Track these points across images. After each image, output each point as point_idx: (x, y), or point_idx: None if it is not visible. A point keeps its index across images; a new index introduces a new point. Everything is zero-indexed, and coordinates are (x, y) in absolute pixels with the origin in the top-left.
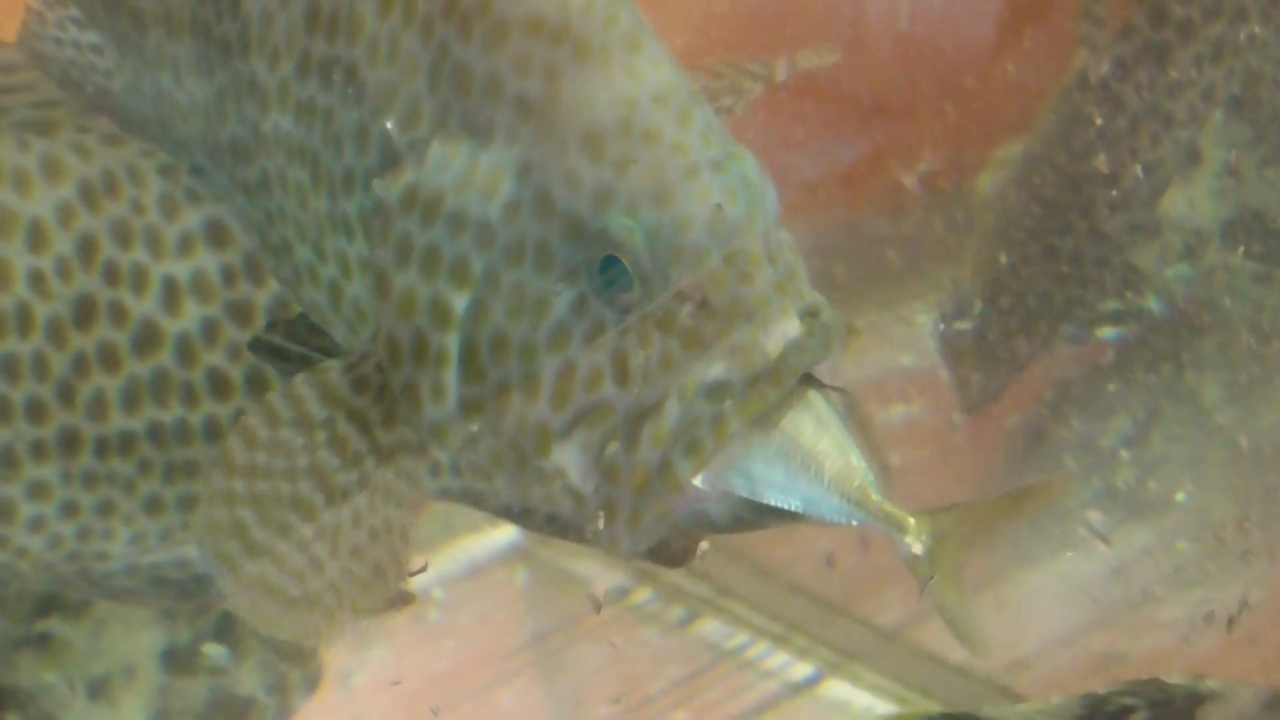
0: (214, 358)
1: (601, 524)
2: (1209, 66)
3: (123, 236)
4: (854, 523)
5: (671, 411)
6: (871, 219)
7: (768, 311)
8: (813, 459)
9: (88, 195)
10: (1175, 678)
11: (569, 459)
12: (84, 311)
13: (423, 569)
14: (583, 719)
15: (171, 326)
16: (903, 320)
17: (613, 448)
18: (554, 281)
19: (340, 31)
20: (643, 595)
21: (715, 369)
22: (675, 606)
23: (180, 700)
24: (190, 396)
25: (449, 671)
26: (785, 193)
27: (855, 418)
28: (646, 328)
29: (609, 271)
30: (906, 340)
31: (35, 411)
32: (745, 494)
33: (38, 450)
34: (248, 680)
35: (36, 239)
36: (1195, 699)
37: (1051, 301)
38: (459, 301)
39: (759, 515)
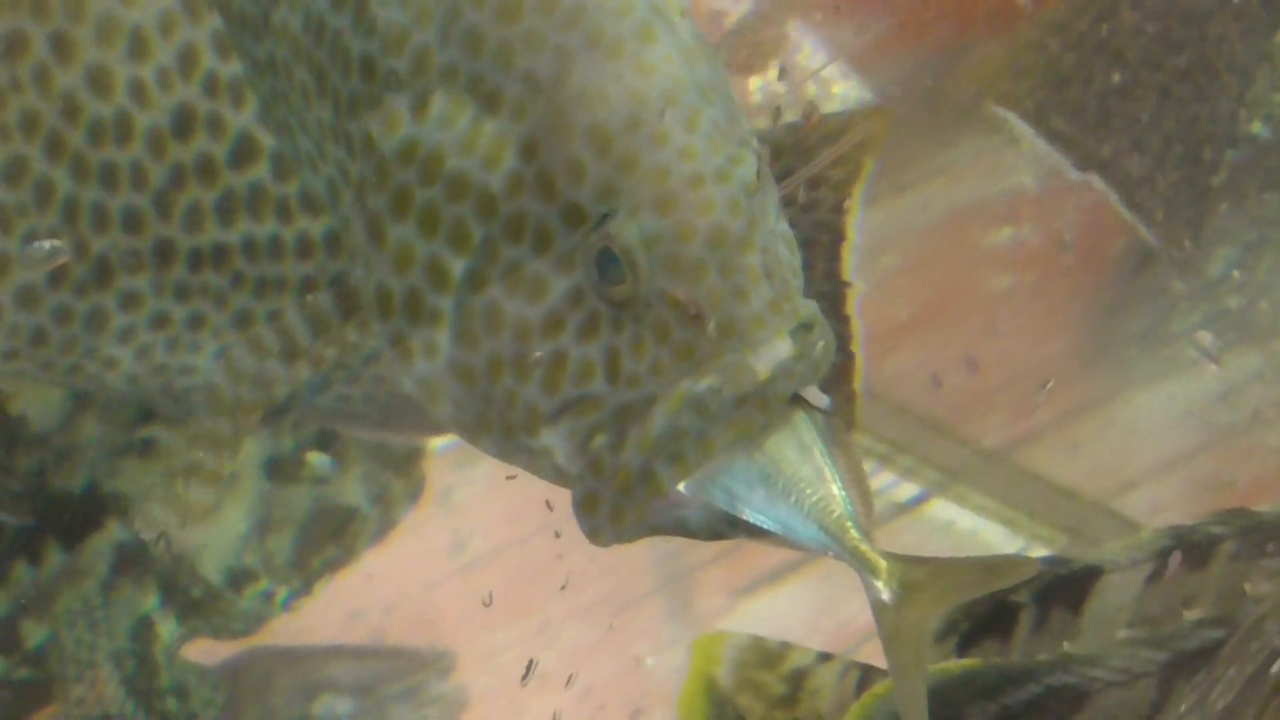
0: None
1: (584, 512)
2: None
3: (223, 48)
4: (829, 554)
5: (659, 419)
6: (983, 39)
7: (761, 333)
8: (793, 486)
9: (189, 5)
10: (1265, 507)
11: (556, 442)
12: (183, 122)
13: None
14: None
15: (269, 140)
16: (1012, 141)
17: (599, 440)
18: (551, 266)
19: None
20: None
21: (704, 385)
22: None
23: (283, 508)
24: (285, 212)
25: (549, 486)
26: (896, 11)
27: (839, 442)
28: (640, 332)
29: (604, 264)
30: (1015, 162)
31: (132, 221)
32: (725, 508)
33: (132, 260)
34: (351, 490)
35: (138, 48)
36: None
37: (1162, 122)
38: (457, 265)
39: (736, 530)
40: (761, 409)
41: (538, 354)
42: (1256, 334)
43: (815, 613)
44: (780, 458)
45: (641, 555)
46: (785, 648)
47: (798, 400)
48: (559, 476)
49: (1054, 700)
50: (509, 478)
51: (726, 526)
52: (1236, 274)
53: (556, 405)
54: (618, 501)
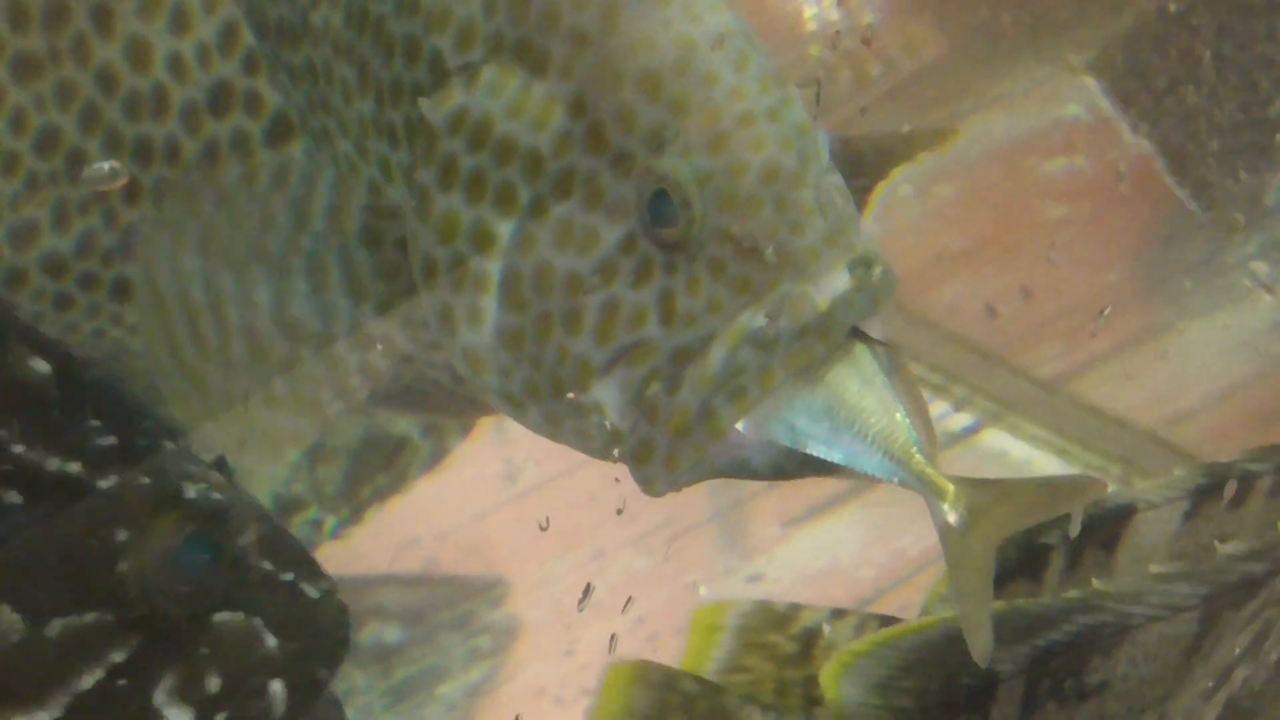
0: None
1: (638, 461)
2: None
3: None
4: (895, 481)
5: (716, 357)
6: None
7: (818, 264)
8: (857, 415)
9: None
10: None
11: (608, 395)
12: (220, 99)
13: None
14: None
15: None
16: (1068, 71)
17: (654, 387)
18: (602, 217)
19: None
20: None
21: (763, 318)
22: None
23: (334, 437)
24: None
25: None
26: None
27: (900, 374)
28: (695, 271)
29: (657, 207)
30: (1070, 92)
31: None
32: (787, 444)
33: None
34: (402, 420)
35: (179, 21)
36: None
37: (1221, 52)
38: (503, 229)
39: (800, 466)
40: (822, 339)
41: (589, 306)
42: None
43: (869, 542)
44: (842, 389)
45: (696, 485)
46: (795, 609)
47: (857, 332)
48: (609, 438)
49: (1090, 638)
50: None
51: (790, 463)
52: None
53: (610, 355)
54: (673, 446)
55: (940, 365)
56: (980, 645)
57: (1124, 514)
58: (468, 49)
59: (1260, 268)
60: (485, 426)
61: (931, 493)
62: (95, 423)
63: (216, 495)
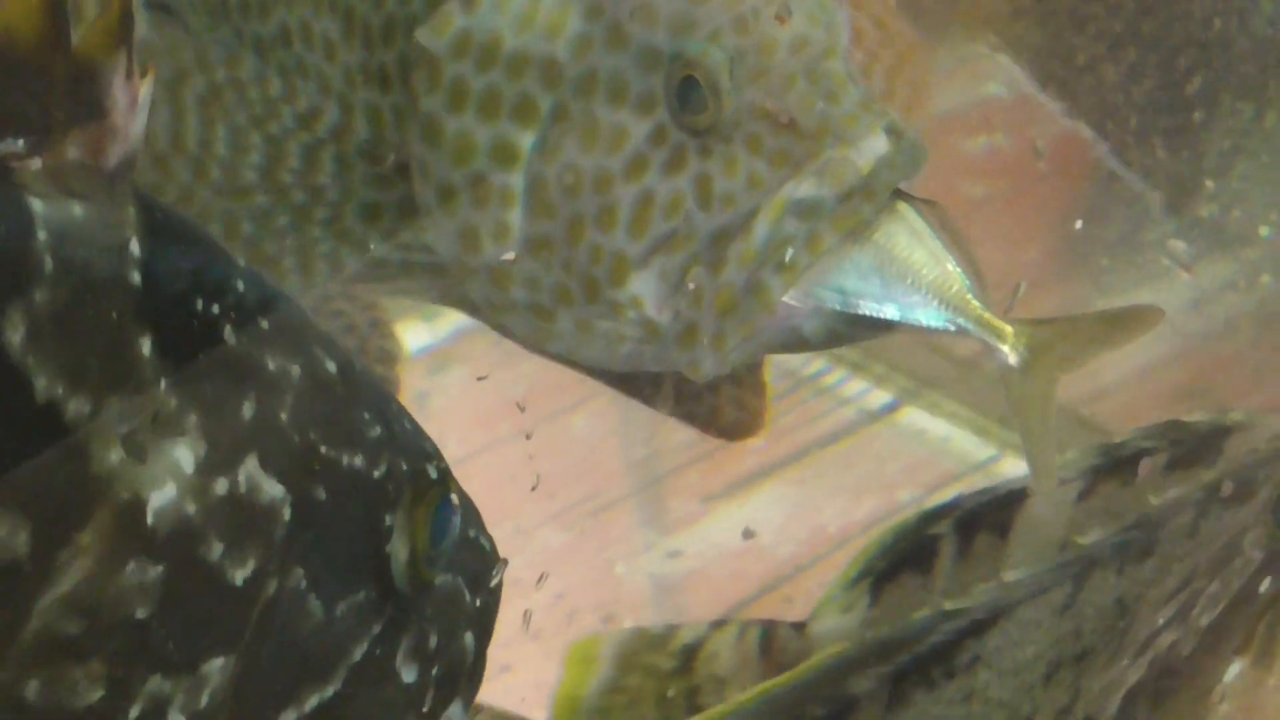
0: None
1: (681, 346)
2: None
3: None
4: (952, 328)
5: (760, 231)
6: None
7: (857, 129)
8: (909, 269)
9: None
10: (1198, 415)
11: (645, 287)
12: None
13: None
14: (657, 442)
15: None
16: (989, 48)
17: (695, 271)
18: (629, 113)
19: None
20: None
21: (806, 187)
22: None
23: None
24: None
25: (525, 393)
26: None
27: (948, 229)
28: (731, 151)
29: (686, 93)
30: (991, 69)
31: None
32: (839, 307)
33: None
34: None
35: None
36: (1220, 433)
37: (1139, 31)
38: (524, 140)
39: (853, 328)
40: (868, 200)
41: (622, 200)
42: (1229, 242)
43: (789, 517)
44: (892, 245)
45: (616, 460)
46: (672, 629)
47: (900, 193)
48: (645, 333)
49: (953, 642)
50: (480, 378)
51: (842, 326)
52: (1209, 183)
53: (647, 246)
54: (721, 325)
55: (858, 344)
56: (1046, 485)
57: (1016, 498)
58: None
59: (1178, 246)
60: (407, 402)
61: (990, 335)
62: (367, 414)
63: (444, 467)
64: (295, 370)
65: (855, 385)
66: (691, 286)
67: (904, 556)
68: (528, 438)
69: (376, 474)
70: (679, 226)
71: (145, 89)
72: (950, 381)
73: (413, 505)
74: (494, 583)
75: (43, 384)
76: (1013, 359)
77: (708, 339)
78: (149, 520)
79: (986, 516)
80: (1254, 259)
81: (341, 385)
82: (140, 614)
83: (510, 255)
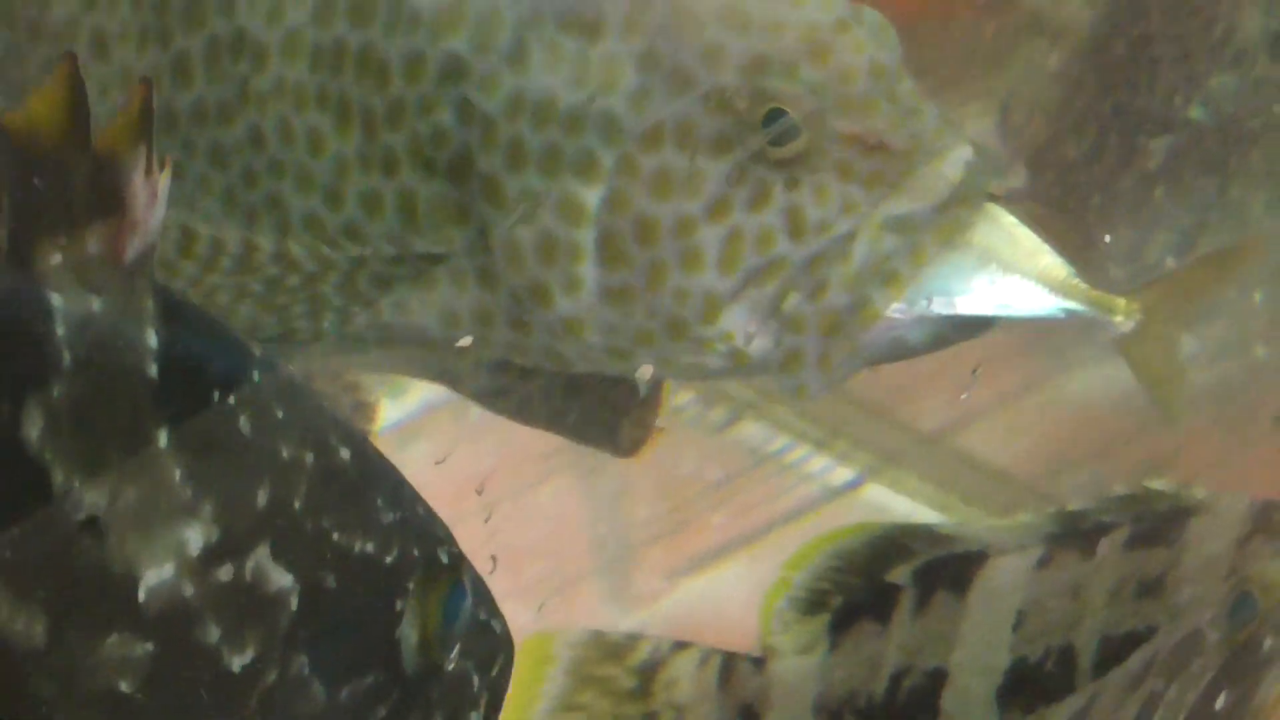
0: None
1: (786, 372)
2: None
3: None
4: (1061, 313)
5: (861, 250)
6: (923, 24)
7: (942, 142)
8: (1012, 264)
9: None
10: (1160, 483)
11: (736, 321)
12: None
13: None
14: (622, 518)
15: None
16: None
17: (792, 298)
18: (703, 157)
19: None
20: (684, 397)
21: (903, 204)
22: (717, 409)
23: None
24: None
25: (490, 470)
26: None
27: (1034, 221)
28: (821, 179)
29: (769, 128)
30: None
31: None
32: (944, 311)
33: None
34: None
35: None
36: (1182, 513)
37: (1100, 107)
38: (589, 195)
39: (959, 329)
40: (964, 206)
41: (708, 241)
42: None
43: (753, 593)
44: (991, 244)
45: (579, 536)
46: (632, 639)
47: (989, 196)
48: (730, 362)
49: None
50: (438, 462)
51: (947, 328)
52: (1170, 260)
53: (737, 282)
54: (825, 346)
55: (823, 419)
56: (1178, 415)
57: (976, 559)
58: (493, 38)
59: None
60: None
61: (1104, 310)
62: (380, 500)
63: (456, 551)
64: (309, 458)
65: (818, 462)
66: (789, 314)
67: (862, 602)
68: (485, 521)
69: (388, 560)
70: (771, 258)
71: (164, 183)
72: (913, 458)
73: (424, 590)
74: (499, 668)
75: (60, 477)
76: (1129, 325)
77: (813, 361)
78: (140, 597)
79: (946, 573)
80: (1215, 337)
81: (354, 471)
82: (124, 688)
83: (585, 307)
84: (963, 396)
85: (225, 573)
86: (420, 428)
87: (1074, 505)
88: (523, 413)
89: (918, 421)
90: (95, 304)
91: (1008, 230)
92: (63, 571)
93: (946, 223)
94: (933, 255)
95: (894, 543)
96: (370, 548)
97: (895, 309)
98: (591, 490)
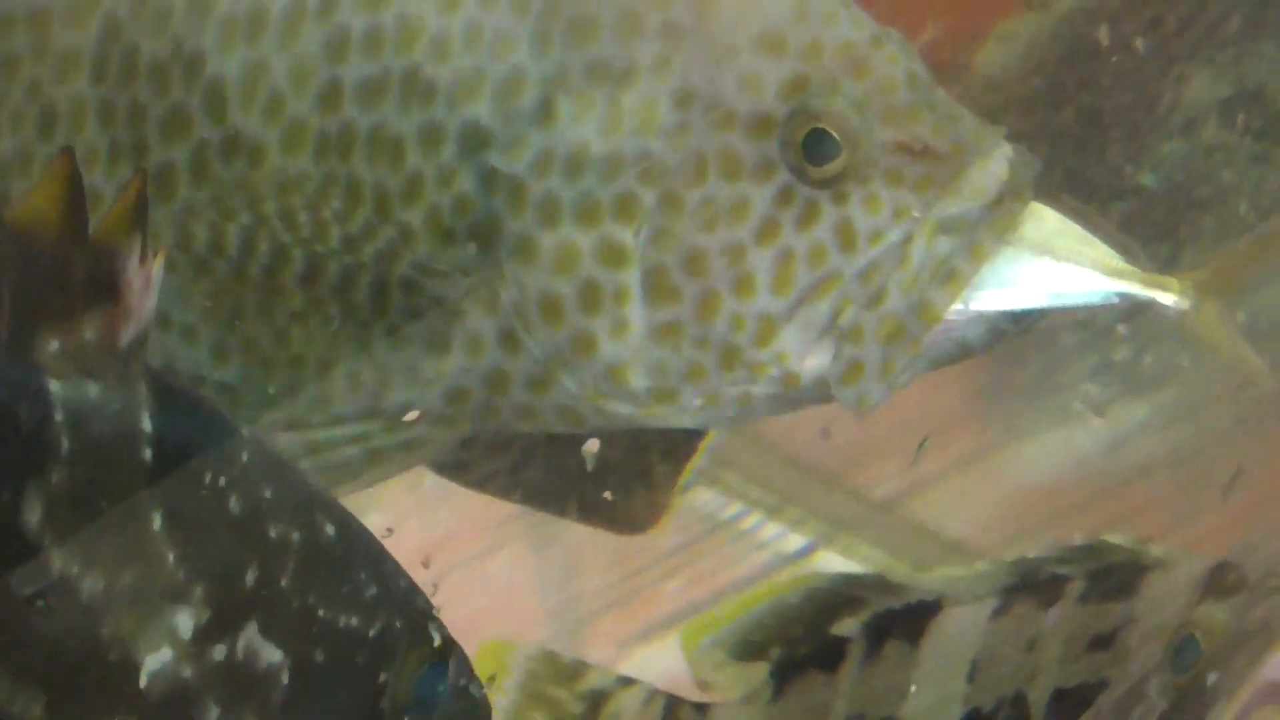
0: None
1: (845, 384)
2: None
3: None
4: (1116, 297)
5: (917, 255)
6: None
7: (987, 142)
8: (1067, 255)
9: None
10: (1118, 537)
11: (790, 340)
12: None
13: None
14: (574, 587)
15: None
16: None
17: (848, 311)
18: (747, 182)
19: (386, 45)
20: None
21: (955, 205)
22: None
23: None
24: None
25: (442, 539)
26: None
27: (1079, 215)
28: (869, 190)
29: (812, 147)
30: None
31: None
32: (1003, 306)
33: None
34: None
35: None
36: (1137, 570)
37: (1049, 173)
38: (631, 236)
39: (1015, 322)
40: (1016, 200)
41: (759, 265)
42: (1142, 386)
43: None
44: (1043, 238)
45: (532, 605)
46: (582, 666)
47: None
48: (781, 387)
49: None
50: (389, 530)
51: (1005, 323)
52: (1121, 328)
53: (792, 301)
54: (886, 354)
55: (775, 487)
56: (1256, 369)
57: (930, 609)
58: (515, 99)
59: (1092, 389)
60: None
61: (1160, 290)
62: (363, 574)
63: (437, 622)
64: (296, 537)
65: (771, 529)
66: (847, 326)
67: (809, 655)
68: (432, 594)
69: (372, 633)
70: (824, 274)
71: (157, 269)
72: (865, 525)
73: (407, 661)
74: None
75: (58, 563)
76: (1185, 304)
77: (875, 370)
78: (142, 683)
79: (898, 623)
80: (1167, 402)
81: (339, 547)
82: None
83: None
84: (915, 457)
85: (219, 652)
86: (370, 498)
87: (1032, 554)
88: (489, 486)
89: (870, 489)
90: (92, 390)
91: (1055, 223)
92: (62, 653)
93: (1000, 219)
94: (991, 251)
95: (838, 595)
96: (355, 621)
97: (953, 310)
98: (543, 559)
